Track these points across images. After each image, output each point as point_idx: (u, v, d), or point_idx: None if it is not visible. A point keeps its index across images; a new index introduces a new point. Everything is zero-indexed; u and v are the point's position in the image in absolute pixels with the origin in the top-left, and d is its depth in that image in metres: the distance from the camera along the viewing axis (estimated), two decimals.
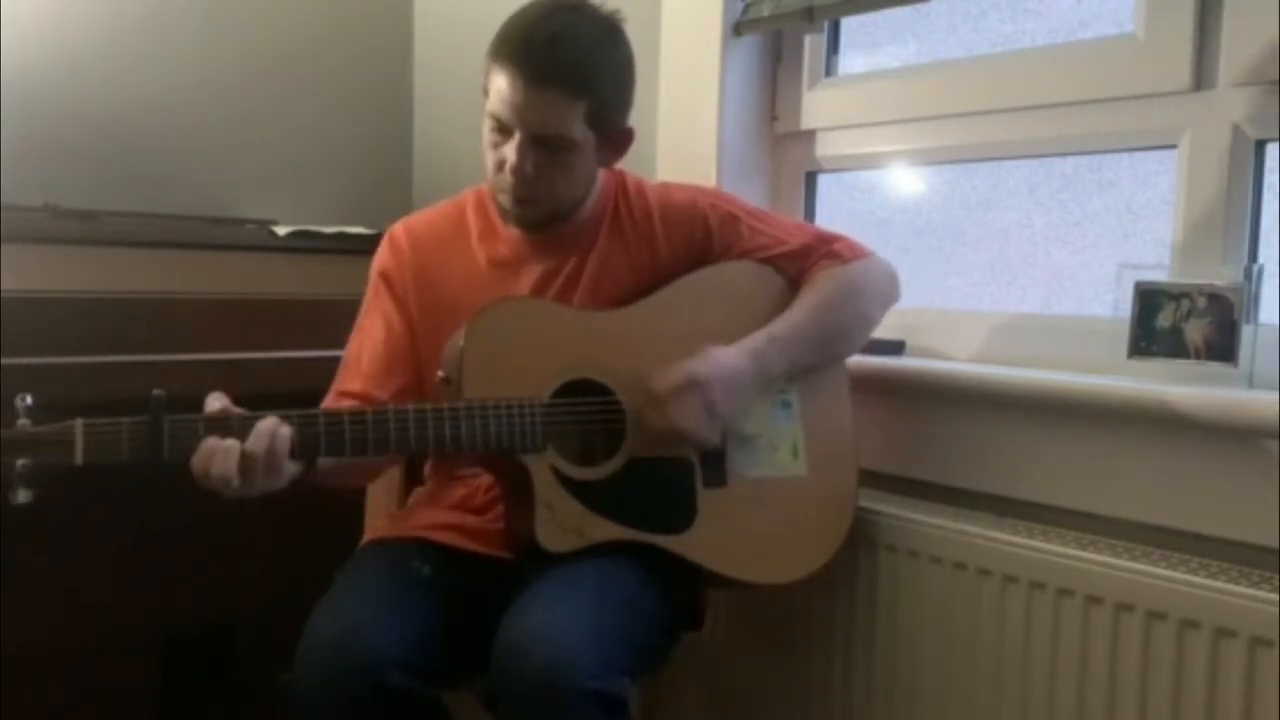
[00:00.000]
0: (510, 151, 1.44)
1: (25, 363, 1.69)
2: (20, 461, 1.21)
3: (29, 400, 1.23)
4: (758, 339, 1.50)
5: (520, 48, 1.42)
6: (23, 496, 1.22)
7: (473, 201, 1.62)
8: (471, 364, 1.39)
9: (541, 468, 1.40)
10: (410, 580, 1.44)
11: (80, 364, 1.77)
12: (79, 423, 1.23)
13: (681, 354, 1.48)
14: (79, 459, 1.23)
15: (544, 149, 1.45)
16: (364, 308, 1.61)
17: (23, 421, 1.23)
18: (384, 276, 1.59)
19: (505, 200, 1.50)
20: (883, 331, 1.72)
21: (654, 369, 1.45)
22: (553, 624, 1.29)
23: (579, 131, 1.45)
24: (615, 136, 1.52)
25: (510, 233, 1.57)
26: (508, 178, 1.46)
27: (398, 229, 1.62)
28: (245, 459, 1.25)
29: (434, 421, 1.35)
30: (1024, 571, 1.42)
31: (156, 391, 1.25)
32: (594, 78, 1.44)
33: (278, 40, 2.43)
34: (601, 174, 1.58)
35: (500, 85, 1.43)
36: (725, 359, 1.46)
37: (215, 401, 1.30)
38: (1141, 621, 1.31)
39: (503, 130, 1.45)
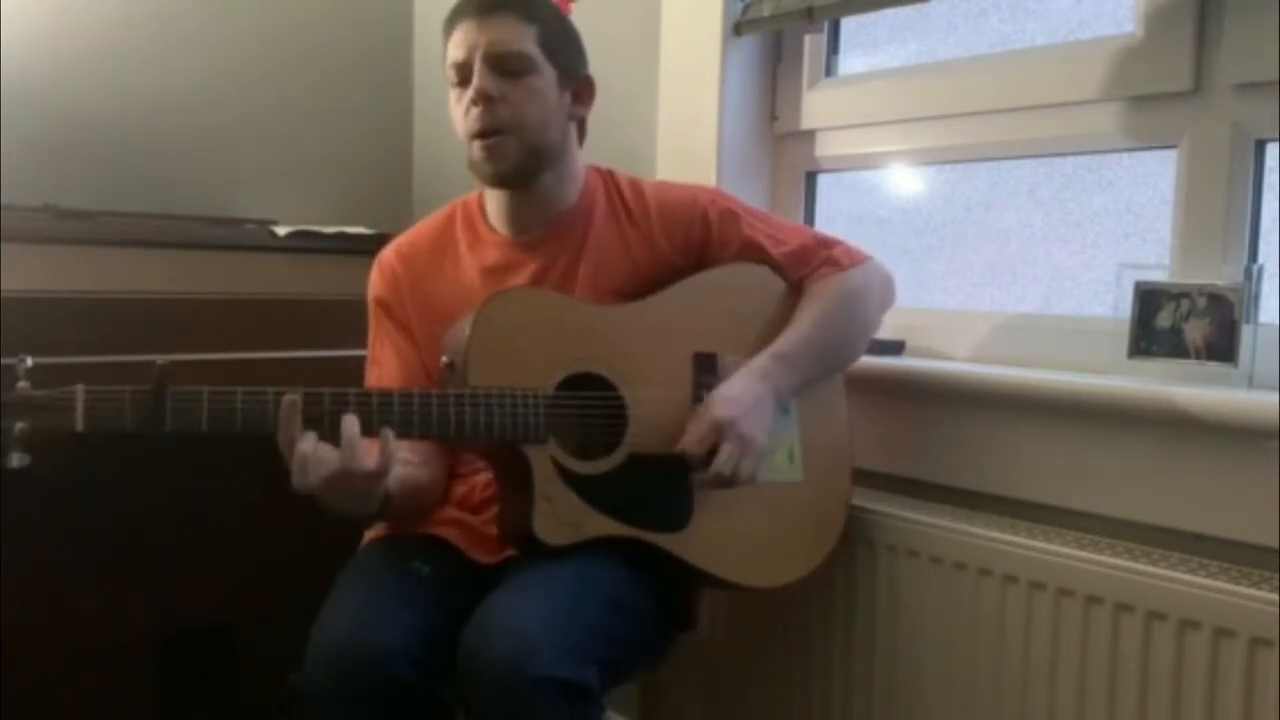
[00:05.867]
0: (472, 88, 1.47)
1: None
2: (19, 425, 1.20)
3: (29, 363, 1.22)
4: (764, 361, 1.49)
5: (463, 1, 1.50)
6: (17, 460, 1.21)
7: (460, 213, 1.62)
8: (476, 351, 1.39)
9: (542, 459, 1.40)
10: (411, 580, 1.44)
11: (80, 364, 1.77)
12: (80, 388, 1.23)
13: (684, 353, 1.49)
14: (79, 425, 1.22)
15: (504, 73, 1.46)
16: (371, 338, 1.61)
17: (22, 384, 1.22)
18: (381, 303, 1.60)
19: (478, 150, 1.49)
20: (883, 332, 1.72)
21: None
22: (518, 615, 1.30)
23: (534, 51, 1.47)
24: (576, 80, 1.54)
25: (498, 238, 1.57)
26: (474, 119, 1.47)
27: (386, 253, 1.62)
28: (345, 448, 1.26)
29: (438, 407, 1.35)
30: (1024, 571, 1.42)
31: (160, 361, 1.24)
32: (537, 7, 1.50)
33: (278, 41, 2.44)
34: (585, 170, 1.59)
35: (455, 37, 1.48)
36: (740, 393, 1.45)
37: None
38: (1141, 621, 1.31)
39: (464, 79, 1.48)
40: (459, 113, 1.50)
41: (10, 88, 2.11)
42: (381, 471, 1.30)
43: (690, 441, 1.43)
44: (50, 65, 2.18)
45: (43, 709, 1.85)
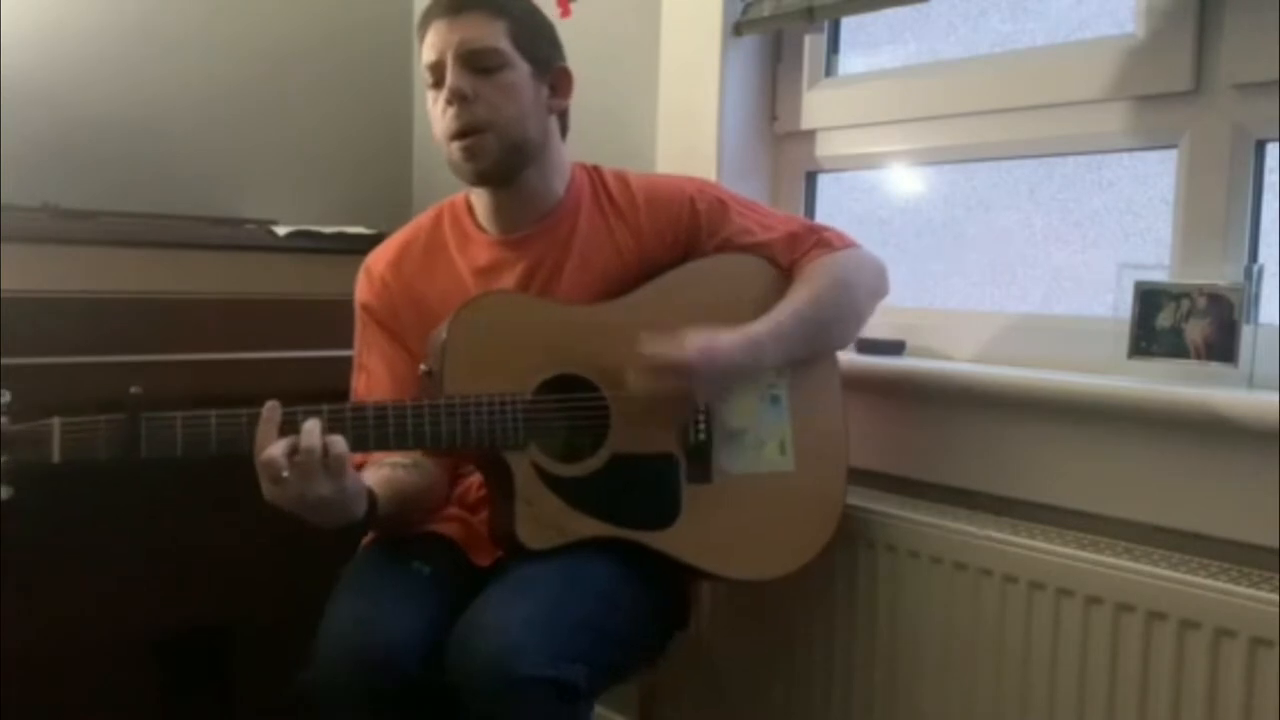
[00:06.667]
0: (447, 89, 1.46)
1: (25, 362, 1.69)
2: (1, 458, 1.22)
3: (7, 397, 1.23)
4: (760, 331, 1.48)
5: (433, 1, 1.51)
6: (3, 493, 1.23)
7: (447, 215, 1.61)
8: (453, 358, 1.39)
9: (523, 464, 1.40)
10: (413, 578, 1.44)
11: (80, 364, 1.77)
12: (56, 421, 1.24)
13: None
14: (56, 456, 1.24)
15: (477, 71, 1.46)
16: (358, 344, 1.61)
17: (3, 419, 1.23)
18: (368, 310, 1.59)
19: (457, 151, 1.48)
20: (883, 331, 1.72)
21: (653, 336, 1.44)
22: (505, 616, 1.30)
23: (506, 47, 1.47)
24: (551, 73, 1.53)
25: (487, 237, 1.56)
26: (451, 119, 1.46)
27: (372, 260, 1.61)
28: (302, 455, 1.25)
29: (414, 419, 1.34)
30: (1024, 571, 1.43)
31: (133, 389, 1.26)
32: (507, 2, 1.49)
33: (278, 41, 2.44)
34: (572, 167, 1.59)
35: (428, 38, 1.49)
36: (723, 350, 1.43)
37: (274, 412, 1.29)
38: (1141, 621, 1.32)
39: (439, 80, 1.48)
40: (436, 113, 1.49)
41: (11, 87, 2.11)
42: (339, 465, 1.28)
43: (655, 349, 1.41)
44: (50, 65, 2.18)
45: (43, 709, 1.85)
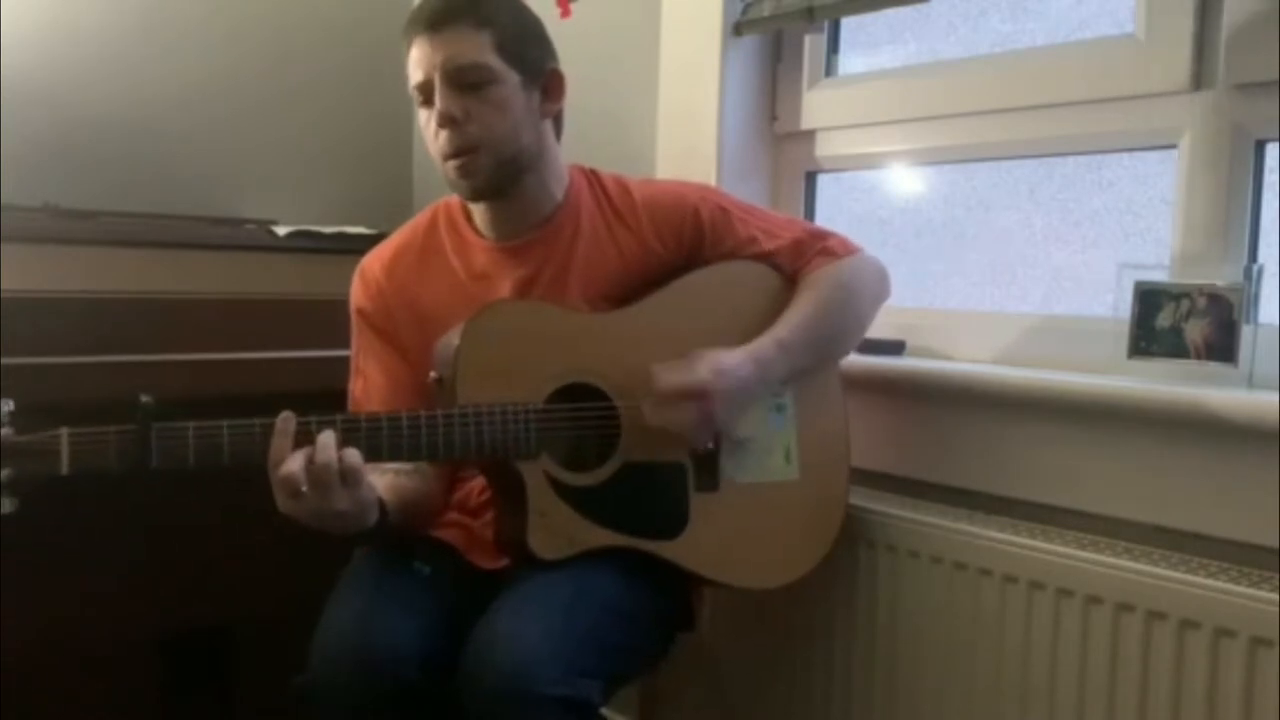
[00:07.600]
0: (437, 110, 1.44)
1: (25, 363, 1.69)
2: (4, 471, 1.19)
3: (10, 406, 1.21)
4: (765, 346, 1.48)
5: (416, 11, 1.46)
6: (6, 506, 1.20)
7: (442, 216, 1.59)
8: (465, 366, 1.38)
9: (535, 474, 1.39)
10: (413, 580, 1.44)
11: (80, 364, 1.77)
12: (65, 432, 1.21)
13: (677, 357, 1.47)
14: (65, 469, 1.21)
15: (465, 89, 1.43)
16: (354, 348, 1.59)
17: (6, 430, 1.20)
18: (363, 314, 1.58)
19: (452, 170, 1.47)
20: (883, 332, 1.72)
21: (660, 364, 1.44)
22: (517, 630, 1.29)
23: (493, 60, 1.43)
24: (542, 77, 1.50)
25: (485, 242, 1.55)
26: (444, 142, 1.44)
27: (366, 264, 1.60)
28: (319, 470, 1.23)
29: (428, 428, 1.33)
30: (1024, 571, 1.43)
31: (144, 398, 1.23)
32: (489, 10, 1.45)
33: (278, 40, 2.44)
34: (569, 170, 1.57)
35: (412, 54, 1.45)
36: (733, 370, 1.44)
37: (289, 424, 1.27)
38: (1141, 621, 1.32)
39: (428, 98, 1.45)
40: (429, 134, 1.47)
41: (11, 87, 2.11)
42: (356, 478, 1.27)
43: (665, 380, 1.41)
44: (50, 65, 2.18)
45: (43, 709, 1.85)
